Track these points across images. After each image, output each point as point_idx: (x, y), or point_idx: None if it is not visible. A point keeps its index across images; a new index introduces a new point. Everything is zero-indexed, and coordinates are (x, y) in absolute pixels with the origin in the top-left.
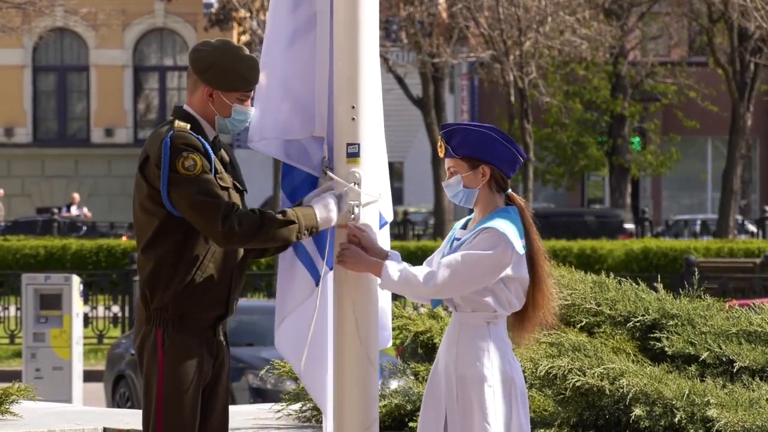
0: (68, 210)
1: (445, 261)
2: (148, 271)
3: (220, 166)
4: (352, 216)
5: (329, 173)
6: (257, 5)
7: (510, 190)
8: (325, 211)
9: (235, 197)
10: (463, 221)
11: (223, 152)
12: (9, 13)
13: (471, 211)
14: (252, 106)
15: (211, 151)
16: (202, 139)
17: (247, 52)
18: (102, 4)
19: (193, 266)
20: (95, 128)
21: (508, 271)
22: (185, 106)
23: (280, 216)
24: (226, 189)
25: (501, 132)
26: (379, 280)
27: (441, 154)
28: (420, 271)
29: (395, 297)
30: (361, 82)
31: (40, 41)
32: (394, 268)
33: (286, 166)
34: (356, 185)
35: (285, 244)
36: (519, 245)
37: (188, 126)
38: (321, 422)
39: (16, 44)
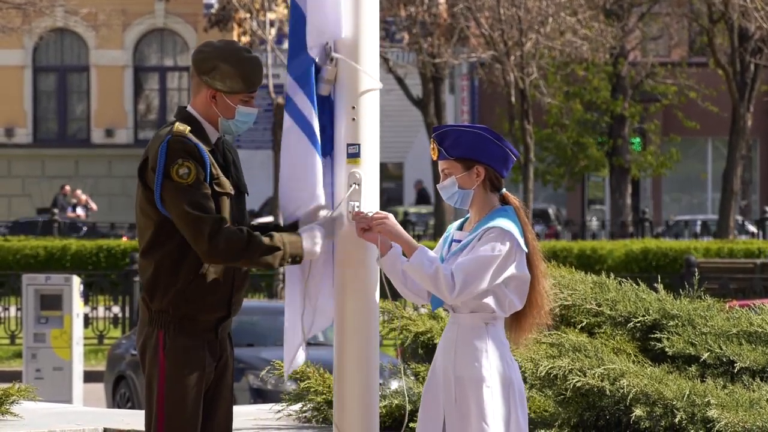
0: (74, 210)
1: (459, 267)
2: (149, 274)
3: (217, 171)
4: (355, 209)
5: (334, 55)
6: (257, 6)
7: (504, 190)
8: (311, 242)
9: (238, 198)
10: (458, 222)
11: (226, 153)
12: (9, 14)
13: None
14: (255, 107)
15: (207, 158)
16: (200, 145)
17: (250, 53)
18: (102, 4)
19: (193, 269)
20: (95, 129)
21: (512, 269)
22: (188, 107)
23: (266, 240)
24: (224, 194)
25: (493, 131)
26: (395, 264)
27: (434, 157)
28: (447, 272)
29: (395, 297)
30: (361, 83)
31: (40, 42)
32: (429, 256)
33: (293, 50)
34: (356, 185)
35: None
36: (522, 242)
37: (188, 129)
38: (321, 423)
39: (17, 45)
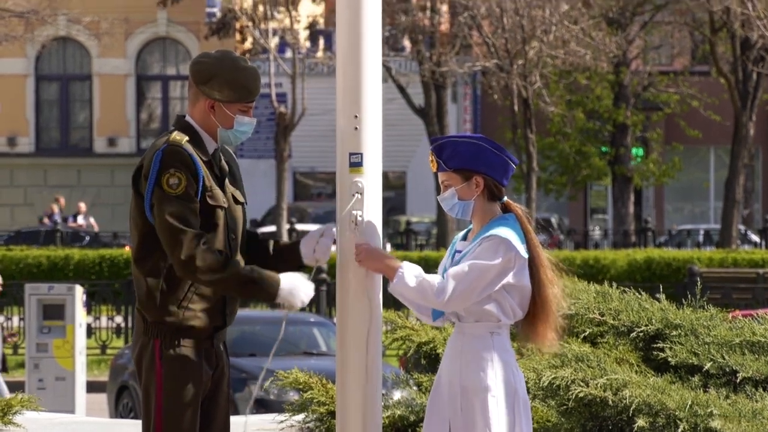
0: (74, 219)
1: (452, 273)
2: (142, 285)
3: (211, 182)
4: (357, 219)
5: None
6: (260, 15)
7: (506, 198)
8: (288, 287)
9: (235, 209)
10: (463, 233)
11: (224, 163)
12: (12, 22)
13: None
14: (253, 117)
15: (201, 170)
16: (195, 156)
17: (248, 62)
18: (105, 13)
19: (185, 280)
20: (98, 137)
21: (510, 278)
22: (187, 117)
23: (245, 271)
24: (216, 207)
25: (490, 140)
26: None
27: (433, 169)
28: (433, 281)
29: (398, 307)
30: (363, 91)
31: (42, 50)
32: (411, 272)
33: None
34: (359, 195)
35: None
36: (522, 249)
37: (185, 139)
38: None
39: (19, 53)
